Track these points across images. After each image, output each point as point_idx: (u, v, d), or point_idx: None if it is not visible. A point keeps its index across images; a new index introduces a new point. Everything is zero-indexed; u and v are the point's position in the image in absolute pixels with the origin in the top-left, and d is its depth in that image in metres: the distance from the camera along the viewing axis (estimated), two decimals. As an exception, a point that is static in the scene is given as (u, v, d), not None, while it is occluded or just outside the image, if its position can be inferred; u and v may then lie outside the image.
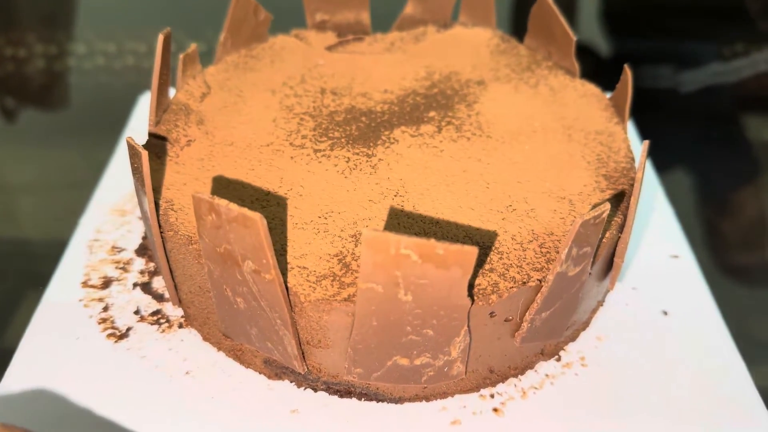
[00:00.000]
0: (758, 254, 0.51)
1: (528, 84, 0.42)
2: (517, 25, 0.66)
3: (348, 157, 0.36)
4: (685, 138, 0.61)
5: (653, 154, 0.49)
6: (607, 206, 0.28)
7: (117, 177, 0.44)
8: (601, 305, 0.36)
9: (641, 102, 0.63)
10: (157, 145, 0.35)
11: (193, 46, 0.39)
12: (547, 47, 0.44)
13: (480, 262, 0.30)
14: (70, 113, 0.63)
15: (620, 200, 0.34)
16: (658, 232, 0.41)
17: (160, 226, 0.32)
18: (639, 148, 0.47)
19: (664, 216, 0.42)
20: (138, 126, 0.49)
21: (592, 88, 0.41)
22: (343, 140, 0.37)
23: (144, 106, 0.51)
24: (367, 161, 0.35)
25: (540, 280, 0.29)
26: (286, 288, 0.29)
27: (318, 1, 0.45)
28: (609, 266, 0.34)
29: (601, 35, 0.76)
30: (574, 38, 0.41)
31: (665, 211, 0.43)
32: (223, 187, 0.34)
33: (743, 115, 0.66)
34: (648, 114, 0.62)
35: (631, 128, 0.50)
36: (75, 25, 0.76)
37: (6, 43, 0.70)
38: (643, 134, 0.51)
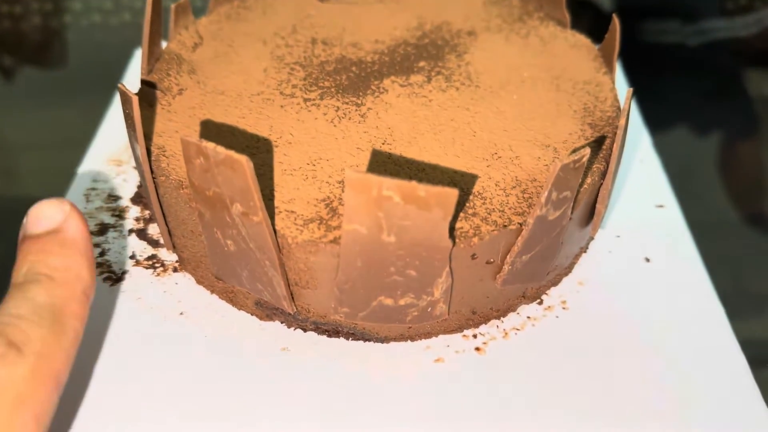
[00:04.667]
0: (749, 208, 0.51)
1: (519, 35, 0.42)
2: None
3: (337, 106, 0.36)
4: (687, 92, 0.61)
5: (653, 107, 0.49)
6: (587, 150, 0.29)
7: (113, 128, 0.45)
8: (584, 252, 0.37)
9: (645, 56, 0.63)
10: (149, 93, 0.36)
11: (184, -4, 0.40)
12: (539, -2, 0.44)
13: (463, 207, 0.31)
14: (67, 70, 0.63)
15: (604, 148, 0.34)
16: (644, 182, 0.42)
17: (152, 172, 0.33)
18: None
19: (651, 167, 0.43)
20: (134, 79, 0.49)
21: (581, 39, 0.41)
22: (332, 90, 0.37)
23: (139, 59, 0.51)
24: (356, 110, 0.36)
25: (521, 224, 0.30)
26: (274, 231, 0.30)
27: (310, -49, 0.45)
28: (591, 213, 0.35)
29: None
30: (566, -12, 0.41)
31: (653, 162, 0.43)
32: (214, 134, 0.34)
33: (746, 70, 0.66)
34: (651, 68, 0.62)
35: (628, 81, 0.50)
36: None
37: (1, 0, 0.69)
38: (646, 88, 0.51)
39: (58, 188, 0.41)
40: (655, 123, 0.48)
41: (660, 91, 0.60)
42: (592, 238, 0.38)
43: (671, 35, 0.67)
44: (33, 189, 0.50)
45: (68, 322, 0.26)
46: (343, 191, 0.32)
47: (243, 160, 0.26)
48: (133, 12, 0.69)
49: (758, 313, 0.41)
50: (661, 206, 0.40)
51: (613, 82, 0.38)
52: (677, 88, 0.62)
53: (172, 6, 0.39)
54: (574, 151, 0.30)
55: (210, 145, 0.27)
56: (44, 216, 0.27)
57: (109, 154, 0.43)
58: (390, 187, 0.26)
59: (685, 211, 0.40)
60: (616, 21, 0.37)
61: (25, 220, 0.28)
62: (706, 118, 0.59)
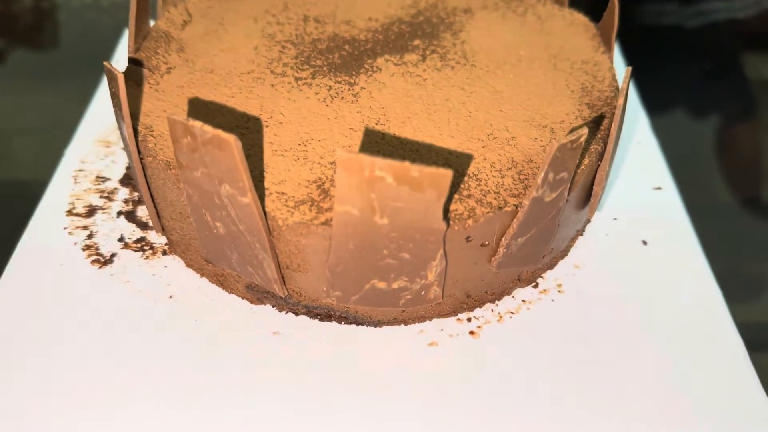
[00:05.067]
0: (746, 191, 0.51)
1: (516, 13, 0.41)
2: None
3: (330, 86, 0.35)
4: (685, 74, 0.61)
5: (651, 90, 0.48)
6: (585, 130, 0.28)
7: (102, 109, 0.44)
8: (581, 234, 0.37)
9: (643, 38, 0.62)
10: (136, 71, 0.35)
11: (172, -28, 0.39)
12: (536, -25, 0.43)
13: (458, 188, 0.30)
14: (58, 51, 0.63)
15: (602, 129, 0.34)
16: (642, 164, 0.41)
17: (139, 152, 0.32)
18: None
19: (649, 148, 0.42)
20: (123, 59, 0.48)
21: (580, 18, 0.40)
22: (325, 68, 0.36)
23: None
24: (349, 89, 0.35)
25: (516, 206, 0.30)
26: (264, 212, 0.29)
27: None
28: (588, 195, 0.34)
29: None
30: (564, -35, 0.40)
31: (651, 144, 0.43)
32: (203, 114, 0.33)
33: (744, 53, 0.65)
34: (650, 50, 0.61)
35: (626, 63, 0.50)
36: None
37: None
38: (644, 70, 0.50)
39: (47, 169, 0.40)
40: (653, 105, 0.48)
41: (658, 73, 0.59)
42: (588, 221, 0.37)
43: (669, 17, 0.66)
44: (22, 171, 0.49)
45: None
46: (335, 172, 0.31)
47: (231, 139, 0.26)
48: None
49: (756, 297, 0.41)
50: (658, 188, 0.40)
51: (612, 62, 0.38)
52: (675, 70, 0.61)
53: (160, -18, 0.38)
54: (572, 131, 0.30)
55: (197, 124, 0.26)
56: None
57: (98, 135, 0.42)
58: (382, 167, 0.25)
59: (682, 194, 0.40)
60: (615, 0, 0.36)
61: None
62: (704, 101, 0.58)
